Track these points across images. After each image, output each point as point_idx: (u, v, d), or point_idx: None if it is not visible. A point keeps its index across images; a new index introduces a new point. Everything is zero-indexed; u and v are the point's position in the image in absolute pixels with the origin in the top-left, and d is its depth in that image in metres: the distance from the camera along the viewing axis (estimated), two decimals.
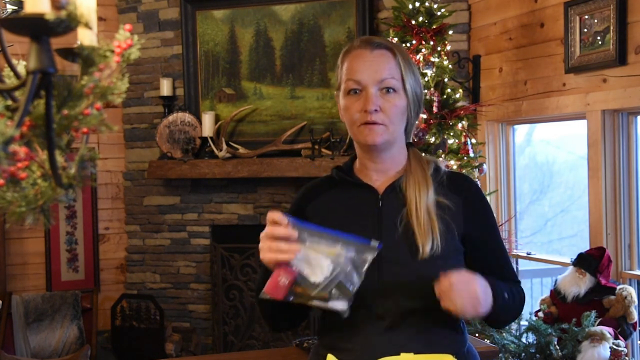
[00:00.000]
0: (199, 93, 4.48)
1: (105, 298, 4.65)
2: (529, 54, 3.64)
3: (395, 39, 3.39)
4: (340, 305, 1.36)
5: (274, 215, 1.38)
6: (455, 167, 3.25)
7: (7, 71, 0.77)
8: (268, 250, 1.38)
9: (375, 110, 1.48)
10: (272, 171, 4.16)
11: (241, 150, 4.29)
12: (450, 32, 3.48)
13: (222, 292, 4.43)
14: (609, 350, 2.81)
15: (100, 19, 4.44)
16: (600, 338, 2.81)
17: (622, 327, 2.94)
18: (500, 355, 2.98)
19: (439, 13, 3.38)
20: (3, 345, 4.06)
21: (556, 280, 3.19)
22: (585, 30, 3.21)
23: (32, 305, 4.22)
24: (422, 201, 1.49)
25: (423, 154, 1.65)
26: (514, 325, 3.31)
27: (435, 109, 3.28)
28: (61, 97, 0.70)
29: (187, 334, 4.52)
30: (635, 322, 2.96)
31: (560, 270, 3.36)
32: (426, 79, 3.29)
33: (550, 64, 3.49)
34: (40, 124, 0.70)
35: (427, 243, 1.45)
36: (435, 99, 3.29)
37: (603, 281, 2.99)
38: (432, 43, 3.31)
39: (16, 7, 1.27)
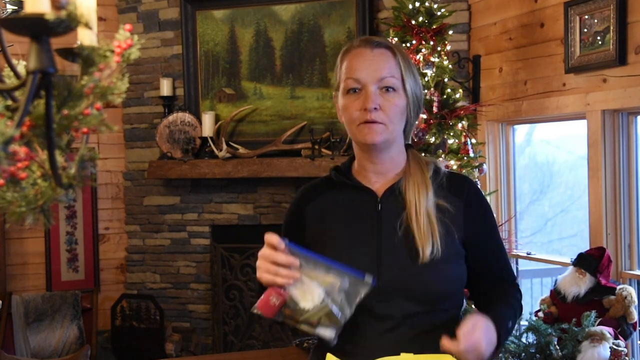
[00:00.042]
0: (199, 93, 4.48)
1: (105, 298, 4.65)
2: (529, 54, 3.64)
3: (395, 39, 3.39)
4: (328, 332, 1.37)
5: (271, 238, 1.39)
6: (455, 167, 3.25)
7: (7, 71, 0.77)
8: (266, 272, 1.38)
9: (375, 109, 1.47)
10: (272, 171, 4.16)
11: (241, 150, 4.29)
12: (450, 32, 3.48)
13: (222, 292, 4.43)
14: (609, 350, 2.81)
15: (100, 19, 4.44)
16: (600, 338, 2.81)
17: (622, 327, 2.94)
18: (500, 355, 2.98)
19: (439, 13, 3.38)
20: (3, 345, 4.06)
21: (556, 280, 3.19)
22: (585, 30, 3.21)
23: (32, 305, 4.22)
24: (422, 204, 1.48)
25: (423, 154, 1.65)
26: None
27: (435, 109, 3.28)
28: (61, 97, 0.70)
29: (187, 334, 4.52)
30: (635, 322, 2.96)
31: (560, 270, 3.35)
32: (426, 79, 3.29)
33: (550, 64, 3.49)
34: (40, 124, 0.70)
35: (428, 247, 1.44)
36: (435, 99, 3.29)
37: (603, 281, 2.99)
38: (432, 43, 3.31)
39: (16, 7, 1.27)
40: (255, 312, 1.40)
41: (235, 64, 4.43)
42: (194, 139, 4.39)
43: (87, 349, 4.00)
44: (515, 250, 3.81)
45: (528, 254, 3.78)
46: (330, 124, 4.16)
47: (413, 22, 3.34)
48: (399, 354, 1.44)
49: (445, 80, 3.36)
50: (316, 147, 4.07)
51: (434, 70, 3.29)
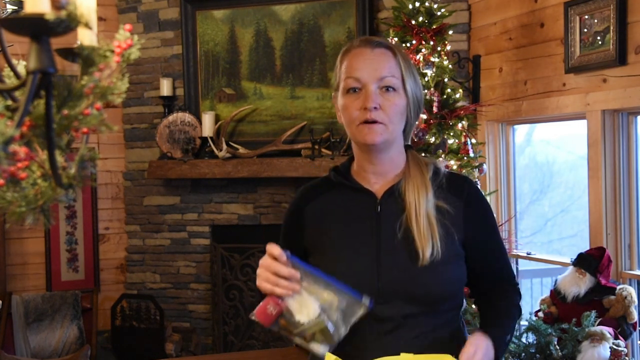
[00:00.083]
0: (199, 93, 4.48)
1: (105, 298, 4.65)
2: (529, 54, 3.64)
3: (395, 39, 3.39)
4: (321, 349, 1.38)
5: (273, 249, 1.39)
6: (455, 167, 3.25)
7: (7, 71, 0.77)
8: (266, 281, 1.39)
9: (375, 108, 1.46)
10: (272, 171, 4.16)
11: (241, 150, 4.29)
12: (450, 32, 3.48)
13: (222, 292, 4.43)
14: (609, 350, 2.81)
15: (100, 19, 4.44)
16: (600, 338, 2.81)
17: (622, 327, 2.94)
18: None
19: (439, 13, 3.38)
20: (3, 345, 4.06)
21: (556, 280, 3.19)
22: (585, 30, 3.21)
23: (32, 305, 4.23)
24: (422, 206, 1.47)
25: (423, 154, 1.65)
26: None
27: (435, 109, 3.28)
28: (61, 97, 0.70)
29: (187, 334, 4.52)
30: (635, 322, 2.96)
31: (560, 270, 3.35)
32: (426, 79, 3.29)
33: (550, 64, 3.49)
34: (40, 124, 0.70)
35: (428, 249, 1.44)
36: (435, 99, 3.29)
37: (603, 281, 2.99)
38: (432, 43, 3.31)
39: (16, 7, 1.27)
40: (253, 319, 1.42)
41: (235, 64, 4.43)
42: (194, 139, 4.39)
43: (87, 349, 4.00)
44: (515, 250, 3.81)
45: (528, 254, 3.78)
46: (330, 124, 4.16)
47: (413, 22, 3.34)
48: (398, 354, 1.44)
49: (445, 80, 3.36)
50: (316, 147, 4.07)
51: (434, 70, 3.29)
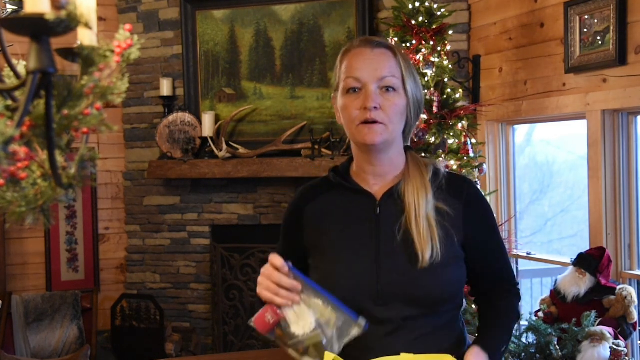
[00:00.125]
0: (199, 93, 4.48)
1: (105, 298, 4.65)
2: (529, 54, 3.64)
3: (395, 39, 3.39)
4: None
5: (275, 260, 1.40)
6: (455, 167, 3.25)
7: (7, 71, 0.77)
8: (266, 289, 1.40)
9: (375, 108, 1.45)
10: (272, 171, 4.16)
11: (241, 150, 4.29)
12: (450, 32, 3.48)
13: (222, 292, 4.43)
14: (609, 350, 2.81)
15: (100, 19, 4.44)
16: (600, 338, 2.81)
17: (622, 327, 2.94)
18: None
19: (439, 13, 3.38)
20: (3, 345, 4.06)
21: (556, 280, 3.19)
22: (585, 30, 3.21)
23: (32, 305, 4.23)
24: (422, 208, 1.47)
25: (423, 154, 1.64)
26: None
27: (435, 109, 3.28)
28: (61, 97, 0.70)
29: (187, 334, 4.52)
30: (635, 322, 2.96)
31: (560, 270, 3.35)
32: (426, 79, 3.29)
33: (550, 64, 3.49)
34: (40, 124, 0.70)
35: (427, 251, 1.44)
36: (435, 99, 3.29)
37: (603, 281, 2.99)
38: (432, 43, 3.31)
39: (16, 7, 1.27)
40: (252, 325, 1.44)
41: (235, 64, 4.43)
42: (194, 139, 4.39)
43: (87, 349, 4.00)
44: (515, 250, 3.81)
45: (528, 254, 3.78)
46: (330, 124, 4.16)
47: (413, 22, 3.34)
48: (398, 354, 1.44)
49: (445, 80, 3.36)
50: (316, 147, 4.07)
51: (434, 70, 3.29)
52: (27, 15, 0.65)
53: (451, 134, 3.31)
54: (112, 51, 0.72)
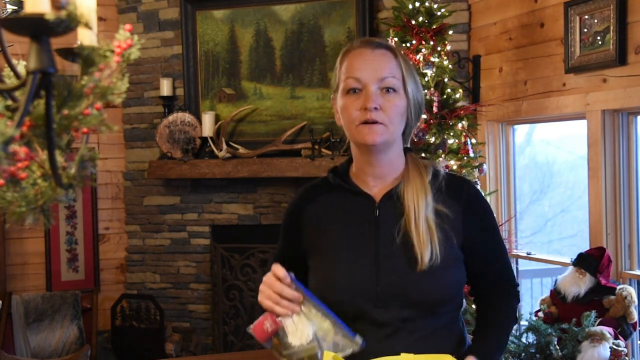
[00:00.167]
0: (199, 93, 4.48)
1: (105, 298, 4.65)
2: (529, 54, 3.64)
3: (395, 39, 3.39)
4: None
5: (278, 271, 1.41)
6: (455, 167, 3.25)
7: (7, 71, 0.77)
8: (268, 298, 1.41)
9: (375, 109, 1.45)
10: (272, 171, 4.16)
11: (241, 150, 4.29)
12: (450, 32, 3.48)
13: (222, 292, 4.43)
14: (609, 350, 2.81)
15: (100, 19, 4.44)
16: (600, 338, 2.81)
17: (622, 327, 2.94)
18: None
19: (439, 13, 3.38)
20: (3, 345, 4.06)
21: (556, 280, 3.19)
22: (585, 30, 3.21)
23: (32, 305, 4.23)
24: (421, 210, 1.46)
25: (423, 154, 1.64)
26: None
27: (435, 109, 3.28)
28: (61, 97, 0.70)
29: (187, 334, 4.52)
30: (635, 322, 2.96)
31: (560, 270, 3.35)
32: (426, 79, 3.29)
33: (550, 64, 3.49)
34: (40, 124, 0.70)
35: (426, 254, 1.43)
36: (435, 99, 3.29)
37: (603, 281, 2.99)
38: (432, 43, 3.31)
39: (16, 7, 1.27)
40: (250, 332, 1.44)
41: (235, 64, 4.43)
42: (194, 139, 4.39)
43: (87, 349, 4.00)
44: (515, 250, 3.81)
45: (528, 254, 3.78)
46: (330, 124, 4.16)
47: (413, 22, 3.34)
48: (399, 354, 1.44)
49: (445, 80, 3.36)
50: (316, 147, 4.07)
51: (434, 70, 3.29)
52: (27, 15, 0.65)
53: (451, 134, 3.31)
54: (112, 51, 0.72)
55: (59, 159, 0.73)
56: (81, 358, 3.91)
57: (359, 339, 1.38)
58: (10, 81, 0.77)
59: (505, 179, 3.94)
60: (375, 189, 1.54)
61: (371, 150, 1.50)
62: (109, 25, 4.57)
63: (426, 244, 1.44)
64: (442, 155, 3.27)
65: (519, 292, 1.64)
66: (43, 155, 0.73)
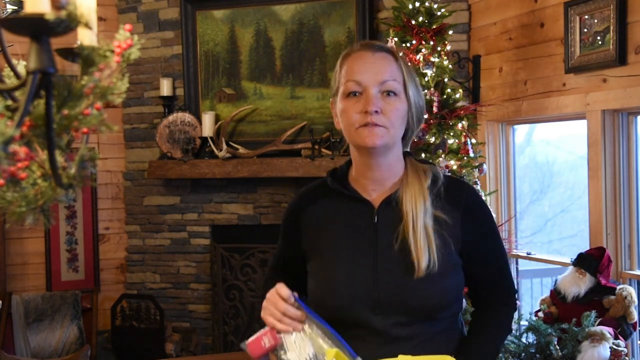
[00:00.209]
0: (199, 93, 4.48)
1: (105, 298, 4.65)
2: (529, 54, 3.64)
3: (395, 39, 3.39)
4: None
5: (282, 291, 1.42)
6: (455, 167, 3.25)
7: (7, 71, 0.77)
8: (270, 315, 1.42)
9: (376, 112, 1.43)
10: (272, 171, 4.16)
11: (241, 150, 4.29)
12: (450, 32, 3.48)
13: (222, 292, 4.43)
14: (609, 350, 2.81)
15: (100, 19, 4.44)
16: (600, 338, 2.81)
17: (622, 327, 2.94)
18: (500, 355, 2.98)
19: (439, 13, 3.38)
20: (3, 345, 4.06)
21: (556, 280, 3.19)
22: (585, 30, 3.21)
23: (32, 305, 4.23)
24: (419, 217, 1.45)
25: (423, 155, 1.63)
26: (514, 325, 3.31)
27: (435, 109, 3.28)
28: (61, 97, 0.70)
29: (187, 334, 4.52)
30: (635, 322, 2.96)
31: (560, 270, 3.35)
32: (426, 79, 3.29)
33: (550, 64, 3.49)
34: (40, 124, 0.70)
35: (424, 261, 1.42)
36: (435, 99, 3.29)
37: (603, 281, 2.99)
38: (432, 43, 3.31)
39: (16, 7, 1.27)
40: (243, 348, 1.45)
41: (235, 64, 4.43)
42: (194, 139, 4.39)
43: (87, 349, 4.00)
44: (515, 250, 3.81)
45: (528, 254, 3.78)
46: (330, 124, 4.16)
47: (413, 22, 3.34)
48: (396, 355, 1.43)
49: (445, 80, 3.36)
50: (316, 147, 4.07)
51: (434, 70, 3.29)
52: (27, 15, 0.65)
53: (451, 134, 3.31)
54: (112, 51, 0.72)
55: (59, 159, 0.73)
56: (81, 358, 3.91)
57: None
58: (10, 81, 0.77)
59: (505, 179, 3.94)
60: (374, 194, 1.53)
61: (371, 153, 1.48)
62: (109, 25, 4.57)
63: (424, 251, 1.43)
64: (442, 155, 3.27)
65: (516, 300, 1.63)
66: (43, 155, 0.73)
